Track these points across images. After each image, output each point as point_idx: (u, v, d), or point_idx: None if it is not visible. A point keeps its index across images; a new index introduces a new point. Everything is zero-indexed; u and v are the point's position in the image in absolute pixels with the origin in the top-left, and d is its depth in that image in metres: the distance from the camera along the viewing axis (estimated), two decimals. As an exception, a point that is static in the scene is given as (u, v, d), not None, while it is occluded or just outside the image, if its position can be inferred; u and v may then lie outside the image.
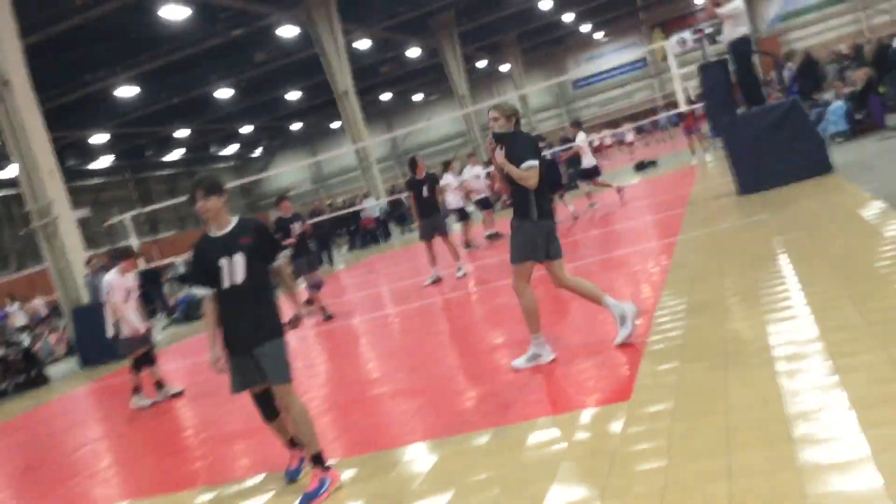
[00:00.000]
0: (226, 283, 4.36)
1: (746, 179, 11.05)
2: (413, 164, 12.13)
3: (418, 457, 4.65)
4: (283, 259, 4.53)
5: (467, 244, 15.59)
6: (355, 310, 11.59)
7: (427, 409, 5.62)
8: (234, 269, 4.33)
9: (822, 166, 10.70)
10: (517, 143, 5.53)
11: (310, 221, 14.86)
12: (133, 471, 6.44)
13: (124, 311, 8.30)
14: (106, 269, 14.89)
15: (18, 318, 22.63)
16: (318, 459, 4.42)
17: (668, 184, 16.83)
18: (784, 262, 6.62)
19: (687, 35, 44.46)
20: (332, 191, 54.23)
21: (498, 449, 4.37)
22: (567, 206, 15.53)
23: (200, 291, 4.44)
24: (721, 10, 11.40)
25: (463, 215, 15.69)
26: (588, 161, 15.84)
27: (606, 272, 8.94)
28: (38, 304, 24.69)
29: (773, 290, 5.82)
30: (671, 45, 18.51)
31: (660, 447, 3.72)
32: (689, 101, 18.82)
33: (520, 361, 5.80)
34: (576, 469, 3.82)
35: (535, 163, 5.43)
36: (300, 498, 4.33)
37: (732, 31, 11.37)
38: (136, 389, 8.65)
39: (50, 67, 22.77)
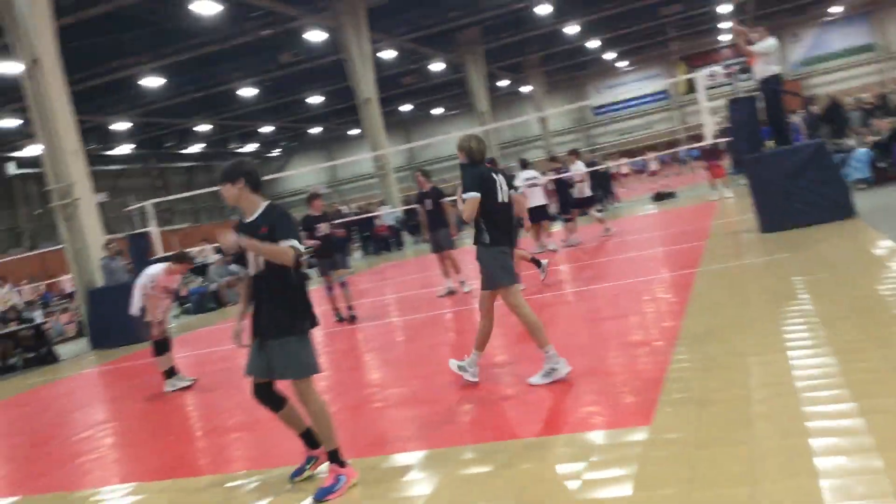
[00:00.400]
0: (252, 270, 4.44)
1: (768, 218, 11.04)
2: (416, 178, 12.20)
3: (432, 465, 4.62)
4: (286, 245, 4.24)
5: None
6: (367, 315, 11.60)
7: (439, 418, 5.56)
8: (257, 257, 4.38)
9: (845, 211, 10.70)
10: (464, 176, 5.99)
11: (337, 221, 14.62)
12: (139, 455, 6.42)
13: (154, 305, 8.37)
14: (121, 254, 15.04)
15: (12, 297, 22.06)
16: (335, 456, 4.42)
17: (688, 216, 16.81)
18: (805, 302, 6.61)
19: (717, 69, 44.50)
20: (347, 196, 54.38)
21: (515, 464, 4.34)
22: (575, 229, 15.83)
23: (238, 269, 4.52)
24: (754, 48, 11.46)
25: None
26: (581, 191, 16.01)
27: (627, 298, 8.85)
28: (65, 280, 24.43)
29: (794, 328, 5.81)
30: (702, 77, 18.41)
31: (682, 472, 3.71)
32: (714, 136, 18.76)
33: (536, 378, 5.77)
34: (596, 489, 3.81)
35: (473, 195, 5.83)
36: (315, 492, 4.34)
37: (765, 69, 11.42)
38: (171, 372, 8.67)
39: (78, 50, 22.94)
